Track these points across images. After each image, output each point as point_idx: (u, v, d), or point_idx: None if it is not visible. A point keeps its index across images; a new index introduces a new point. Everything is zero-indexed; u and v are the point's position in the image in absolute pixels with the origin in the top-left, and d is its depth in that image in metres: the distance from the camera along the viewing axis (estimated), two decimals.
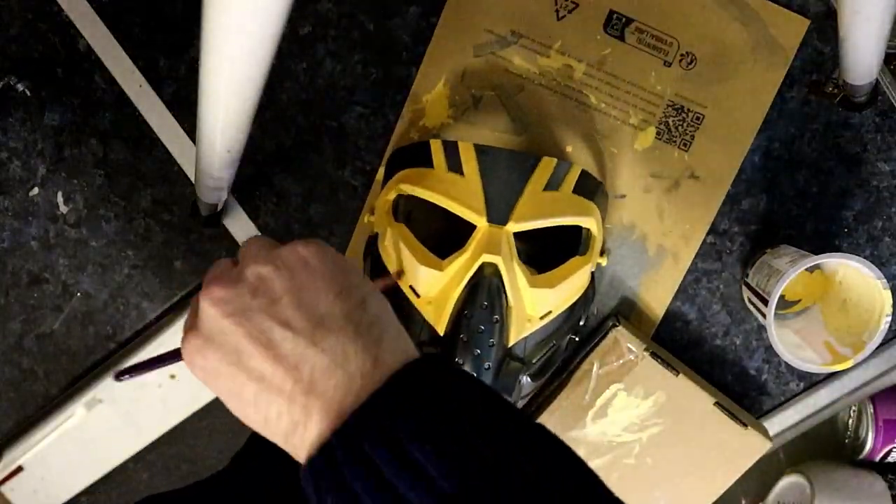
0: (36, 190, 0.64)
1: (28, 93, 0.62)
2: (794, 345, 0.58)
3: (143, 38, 0.62)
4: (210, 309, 0.32)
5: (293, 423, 0.30)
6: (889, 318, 0.53)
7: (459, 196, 0.51)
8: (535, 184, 0.52)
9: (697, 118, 0.61)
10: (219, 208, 0.61)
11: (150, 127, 0.63)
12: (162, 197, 0.64)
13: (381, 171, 0.63)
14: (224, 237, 0.65)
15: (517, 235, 0.51)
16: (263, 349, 0.31)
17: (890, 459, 0.67)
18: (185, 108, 0.63)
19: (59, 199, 0.64)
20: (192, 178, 0.63)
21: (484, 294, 0.49)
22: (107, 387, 0.64)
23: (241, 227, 0.64)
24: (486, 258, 0.49)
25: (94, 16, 0.62)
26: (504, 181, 0.51)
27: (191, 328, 0.33)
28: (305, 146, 0.63)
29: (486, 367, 0.50)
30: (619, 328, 0.61)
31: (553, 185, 0.52)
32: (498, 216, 0.51)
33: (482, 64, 0.61)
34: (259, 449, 0.51)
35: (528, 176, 0.52)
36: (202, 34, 0.37)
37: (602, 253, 0.58)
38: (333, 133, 0.63)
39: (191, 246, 0.65)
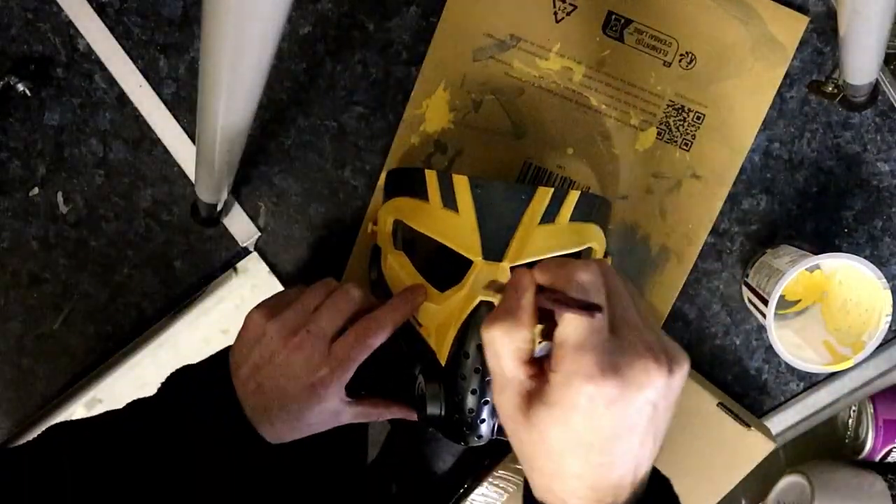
0: (36, 190, 0.64)
1: (28, 93, 0.62)
2: (794, 345, 0.58)
3: (143, 38, 0.62)
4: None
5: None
6: (889, 318, 0.53)
7: (455, 234, 0.51)
8: (531, 218, 0.51)
9: (698, 118, 0.61)
10: (219, 208, 0.61)
11: (150, 127, 0.63)
12: (162, 197, 0.64)
13: (383, 176, 0.63)
14: (224, 237, 0.65)
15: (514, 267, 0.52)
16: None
17: (890, 459, 0.67)
18: (185, 108, 0.63)
19: (59, 199, 0.64)
20: (192, 178, 0.63)
21: (479, 334, 0.49)
22: (107, 387, 0.64)
23: (241, 227, 0.64)
24: (483, 297, 0.50)
25: (94, 16, 0.62)
26: (499, 216, 0.51)
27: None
28: (305, 146, 0.63)
29: (484, 401, 0.51)
30: None
31: (550, 216, 0.52)
32: (494, 253, 0.51)
33: (482, 68, 0.61)
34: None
35: (523, 210, 0.51)
36: (202, 34, 0.37)
37: (605, 255, 0.58)
38: (333, 133, 0.63)
39: (191, 246, 0.65)
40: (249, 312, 0.50)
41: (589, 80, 0.61)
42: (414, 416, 0.55)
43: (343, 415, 0.50)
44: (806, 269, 0.55)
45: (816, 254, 0.54)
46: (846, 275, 0.59)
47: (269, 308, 0.50)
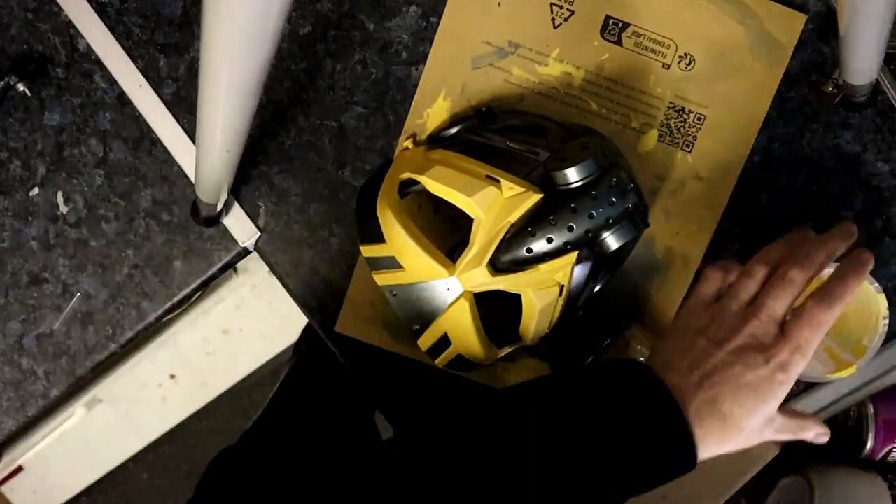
0: (36, 190, 0.64)
1: (28, 93, 0.62)
2: None
3: (143, 38, 0.62)
4: None
5: None
6: (886, 321, 0.54)
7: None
8: None
9: (699, 119, 0.61)
10: (219, 208, 0.61)
11: (150, 127, 0.63)
12: (162, 197, 0.64)
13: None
14: (224, 237, 0.65)
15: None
16: None
17: (890, 459, 0.67)
18: (185, 108, 0.63)
19: (59, 199, 0.64)
20: (192, 178, 0.63)
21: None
22: (107, 387, 0.64)
23: (241, 227, 0.64)
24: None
25: (94, 16, 0.62)
26: None
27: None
28: (305, 146, 0.63)
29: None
30: (632, 329, 0.60)
31: None
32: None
33: (481, 76, 0.61)
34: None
35: None
36: (202, 34, 0.37)
37: None
38: (333, 133, 0.63)
39: (191, 246, 0.65)
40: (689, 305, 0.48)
41: (589, 85, 0.61)
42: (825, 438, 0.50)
43: (770, 426, 0.46)
44: None
45: None
46: None
47: (705, 302, 0.47)
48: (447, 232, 0.62)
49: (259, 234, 0.64)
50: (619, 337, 0.61)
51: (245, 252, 0.65)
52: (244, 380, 1.29)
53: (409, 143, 0.61)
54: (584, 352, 0.63)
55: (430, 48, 0.61)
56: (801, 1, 0.59)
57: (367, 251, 0.55)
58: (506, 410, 0.43)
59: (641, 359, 0.60)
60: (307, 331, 0.96)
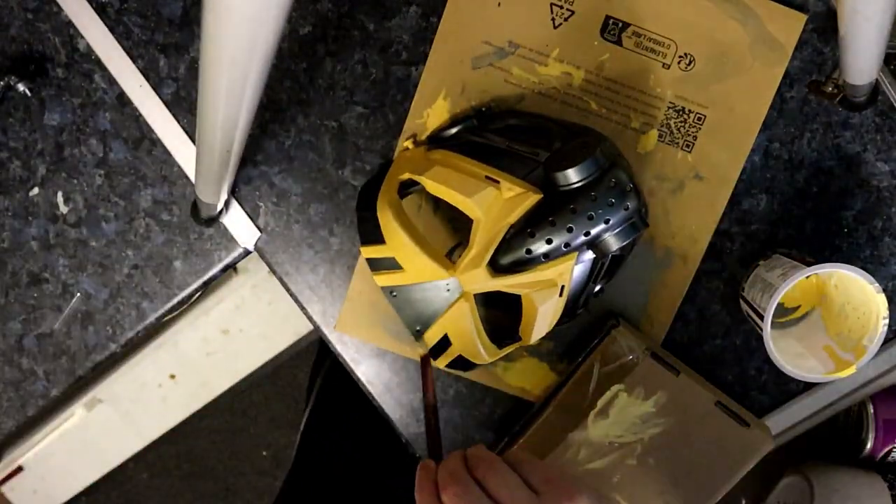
0: (36, 190, 0.64)
1: (28, 93, 0.62)
2: (796, 354, 0.58)
3: (143, 38, 0.62)
4: None
5: None
6: (886, 321, 0.54)
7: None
8: None
9: (699, 119, 0.61)
10: (219, 208, 0.61)
11: (150, 127, 0.63)
12: (162, 197, 0.64)
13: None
14: (224, 237, 0.65)
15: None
16: None
17: (890, 459, 0.67)
18: (185, 108, 0.63)
19: (59, 199, 0.64)
20: (192, 178, 0.63)
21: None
22: (107, 387, 0.64)
23: (241, 227, 0.64)
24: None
25: (94, 16, 0.62)
26: None
27: None
28: (305, 146, 0.63)
29: None
30: (619, 328, 0.61)
31: None
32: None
33: (481, 76, 0.61)
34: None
35: None
36: (202, 34, 0.37)
37: None
38: (333, 133, 0.63)
39: (191, 246, 0.65)
40: None
41: (588, 85, 0.61)
42: None
43: None
44: None
45: (813, 256, 0.54)
46: (840, 279, 0.59)
47: None
48: (447, 232, 0.62)
49: (259, 234, 0.64)
50: (607, 336, 0.61)
51: (245, 252, 0.65)
52: (244, 380, 1.29)
53: (409, 144, 0.61)
54: (575, 352, 0.63)
55: (430, 48, 0.61)
56: (801, 1, 0.59)
57: (367, 252, 0.55)
58: None
59: (632, 357, 0.60)
60: (316, 369, 0.94)
